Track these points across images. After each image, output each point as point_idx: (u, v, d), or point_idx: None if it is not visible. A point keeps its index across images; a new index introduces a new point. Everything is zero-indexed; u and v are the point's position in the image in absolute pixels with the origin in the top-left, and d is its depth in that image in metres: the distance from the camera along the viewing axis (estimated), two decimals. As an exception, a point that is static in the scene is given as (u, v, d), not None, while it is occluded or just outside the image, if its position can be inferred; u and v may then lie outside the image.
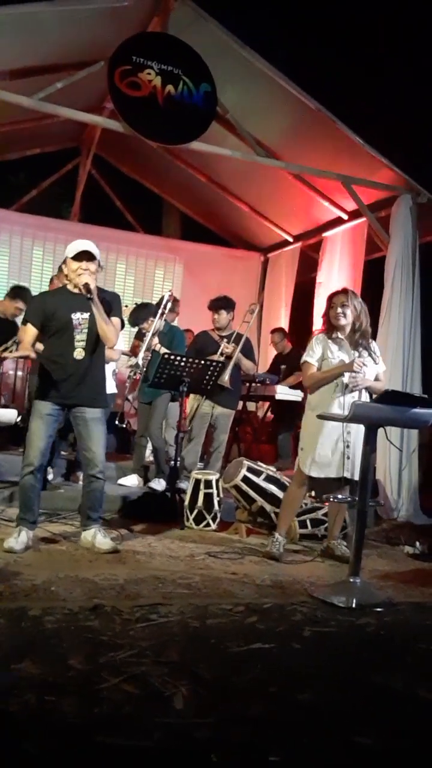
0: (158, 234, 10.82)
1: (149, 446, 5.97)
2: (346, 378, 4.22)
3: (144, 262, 9.27)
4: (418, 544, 5.00)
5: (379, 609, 3.35)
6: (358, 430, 4.27)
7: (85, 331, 4.03)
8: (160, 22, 6.08)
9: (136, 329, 6.11)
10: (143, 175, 9.78)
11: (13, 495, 5.06)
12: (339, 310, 4.33)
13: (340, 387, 4.25)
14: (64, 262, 4.06)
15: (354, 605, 3.31)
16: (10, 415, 4.77)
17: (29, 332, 4.09)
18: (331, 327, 4.42)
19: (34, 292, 7.33)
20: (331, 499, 4.23)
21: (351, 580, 3.52)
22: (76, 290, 4.02)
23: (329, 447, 4.25)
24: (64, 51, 6.35)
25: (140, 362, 5.55)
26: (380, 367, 4.45)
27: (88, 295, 3.86)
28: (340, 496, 4.13)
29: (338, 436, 4.25)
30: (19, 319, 5.15)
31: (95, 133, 8.70)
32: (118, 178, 9.94)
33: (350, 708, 2.22)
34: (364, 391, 4.28)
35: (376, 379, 4.37)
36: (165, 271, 9.39)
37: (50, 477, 5.36)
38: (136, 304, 6.13)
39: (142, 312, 5.79)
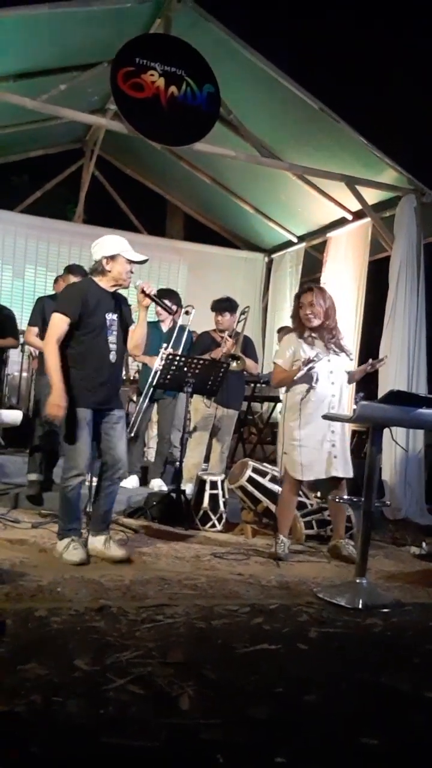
0: (162, 235, 10.82)
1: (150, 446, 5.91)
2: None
3: (148, 264, 9.20)
4: (424, 544, 4.99)
5: (385, 610, 3.34)
6: (342, 428, 4.33)
7: (115, 332, 3.92)
8: (163, 24, 6.09)
9: None
10: (147, 176, 9.80)
11: (18, 496, 5.05)
12: (308, 311, 4.31)
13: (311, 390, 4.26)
14: (113, 258, 3.95)
15: (360, 606, 3.30)
16: (14, 416, 4.74)
17: (61, 326, 3.74)
18: (302, 326, 4.38)
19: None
20: (338, 500, 4.21)
21: (357, 580, 3.51)
22: (112, 288, 3.96)
23: (314, 448, 4.25)
24: (68, 53, 6.37)
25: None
26: (352, 364, 4.53)
27: (153, 294, 4.09)
28: (345, 497, 4.12)
29: (322, 436, 4.26)
30: None
31: (99, 135, 8.72)
32: (121, 179, 9.96)
33: (357, 709, 2.21)
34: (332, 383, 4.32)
35: (349, 374, 4.45)
36: (169, 273, 9.38)
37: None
38: None
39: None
